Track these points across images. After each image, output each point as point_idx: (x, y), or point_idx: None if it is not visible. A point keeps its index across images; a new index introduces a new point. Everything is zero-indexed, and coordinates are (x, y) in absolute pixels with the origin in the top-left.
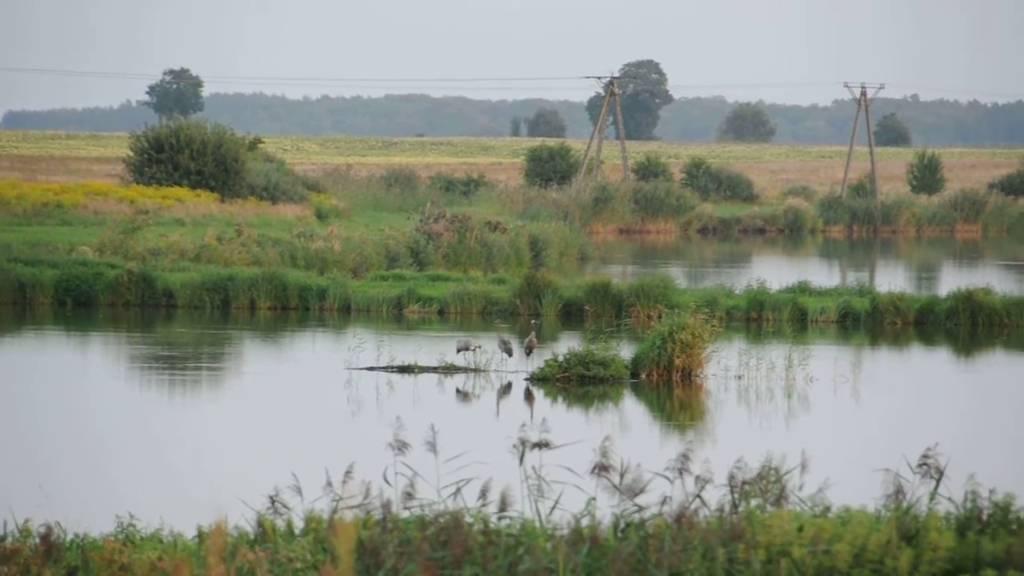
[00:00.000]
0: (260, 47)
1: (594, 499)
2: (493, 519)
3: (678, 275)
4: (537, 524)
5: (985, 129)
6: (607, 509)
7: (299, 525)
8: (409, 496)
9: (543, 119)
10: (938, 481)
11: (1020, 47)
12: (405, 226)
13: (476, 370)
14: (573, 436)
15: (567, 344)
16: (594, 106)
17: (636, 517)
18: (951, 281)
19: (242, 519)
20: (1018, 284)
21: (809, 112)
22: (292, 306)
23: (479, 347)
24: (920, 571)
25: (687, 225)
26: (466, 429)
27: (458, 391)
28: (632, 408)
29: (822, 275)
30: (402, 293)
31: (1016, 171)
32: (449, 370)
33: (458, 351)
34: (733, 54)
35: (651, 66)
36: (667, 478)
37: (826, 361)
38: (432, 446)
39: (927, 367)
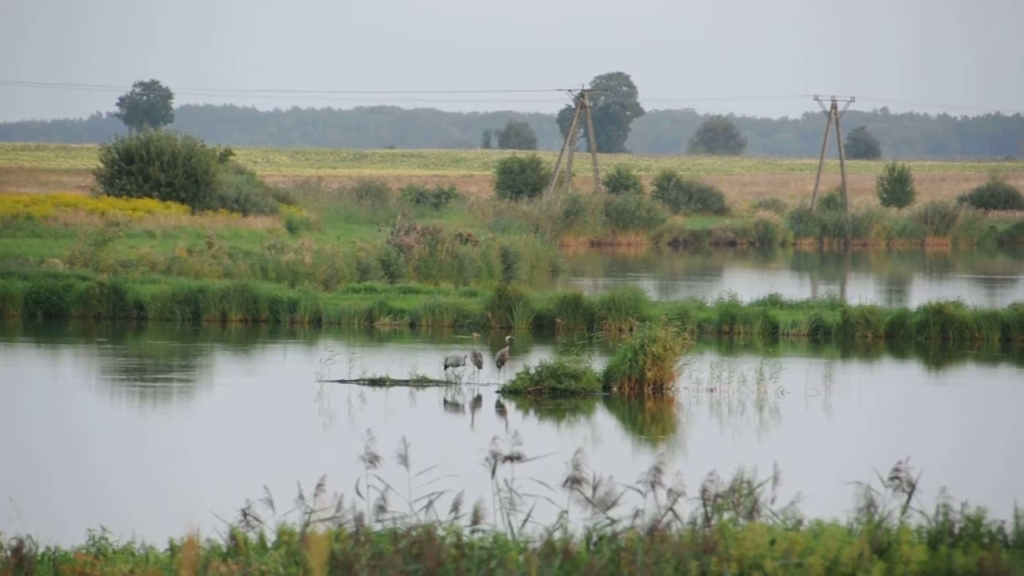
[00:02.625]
0: (231, 59)
1: (566, 512)
2: (465, 532)
3: (649, 288)
4: (509, 537)
5: (954, 142)
6: (579, 522)
7: (271, 538)
8: (381, 509)
9: (514, 131)
10: (910, 494)
11: (989, 61)
12: (376, 238)
13: (448, 383)
14: (545, 449)
15: (539, 357)
16: (565, 118)
17: (608, 530)
18: (922, 294)
19: (214, 532)
20: (988, 297)
21: (780, 125)
22: (263, 318)
23: (466, 361)
24: None
25: (658, 238)
26: (438, 442)
27: (446, 402)
28: (604, 421)
29: (793, 288)
30: (373, 306)
31: (986, 184)
32: (421, 383)
33: (446, 367)
34: (704, 67)
35: (622, 79)
36: (639, 491)
37: (797, 374)
38: (404, 459)
39: (898, 380)
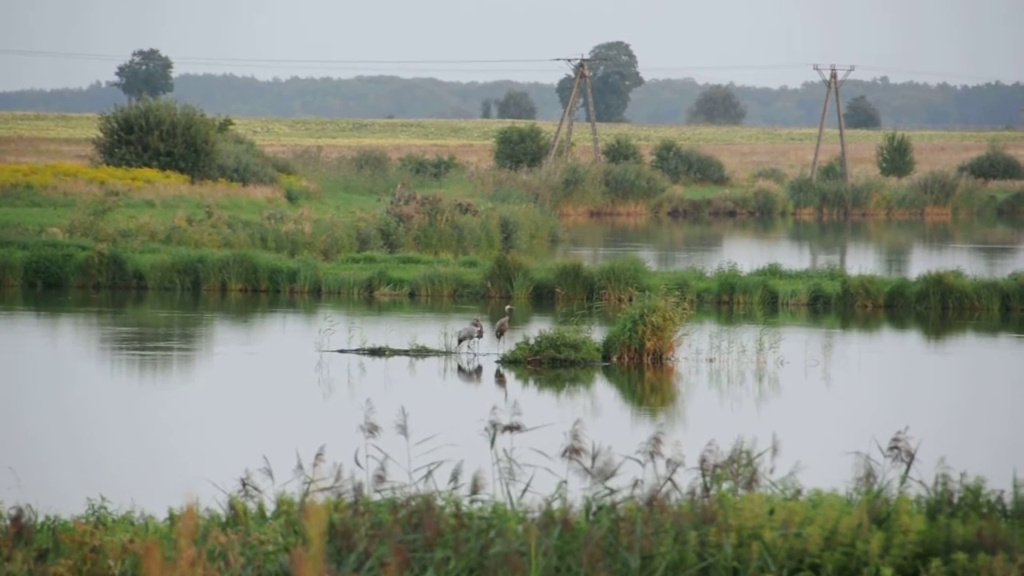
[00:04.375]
0: (230, 28)
1: (565, 482)
2: (465, 502)
3: (649, 258)
4: (509, 507)
5: (954, 112)
6: (578, 492)
7: (271, 508)
8: (380, 479)
9: (513, 101)
10: (909, 464)
11: (990, 30)
12: (376, 208)
13: (447, 353)
14: (544, 419)
15: (538, 327)
16: (564, 88)
17: (607, 500)
18: (921, 264)
19: (213, 502)
20: (988, 267)
21: (779, 94)
22: (263, 288)
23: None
24: (891, 554)
25: (658, 208)
26: (437, 412)
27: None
28: (603, 391)
29: (792, 258)
30: (373, 275)
31: (985, 154)
32: (420, 353)
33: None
34: (703, 36)
35: (621, 48)
36: (638, 461)
37: (797, 344)
38: (403, 429)
39: (897, 350)
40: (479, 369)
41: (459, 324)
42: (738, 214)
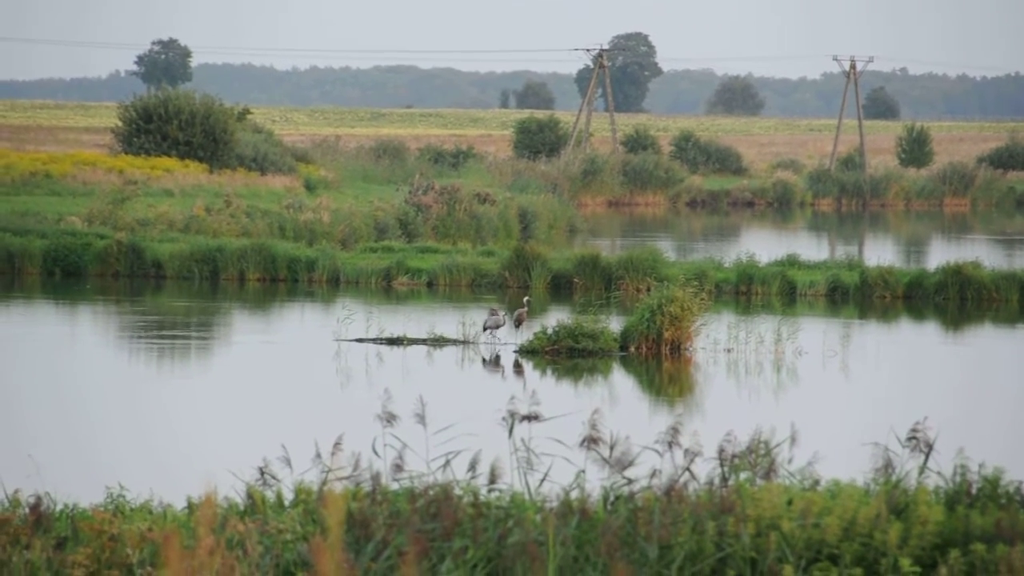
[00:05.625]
0: (249, 18)
1: (583, 472)
2: (483, 491)
3: (667, 248)
4: (526, 497)
5: (973, 103)
6: (596, 482)
7: (289, 496)
8: (398, 468)
9: (532, 91)
10: (927, 455)
11: (1008, 20)
12: (394, 198)
13: (465, 342)
14: (562, 409)
15: (556, 317)
16: (583, 78)
17: (625, 490)
18: (940, 255)
19: (232, 490)
20: (1007, 258)
21: (798, 85)
22: (281, 277)
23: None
24: (909, 545)
25: (676, 198)
26: (455, 401)
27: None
28: (621, 381)
29: (811, 248)
30: (391, 265)
31: (1004, 145)
32: (438, 342)
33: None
34: (722, 27)
35: (640, 39)
36: (656, 451)
37: (815, 334)
38: (421, 418)
39: (916, 341)
40: (497, 359)
41: (477, 314)
42: (756, 205)
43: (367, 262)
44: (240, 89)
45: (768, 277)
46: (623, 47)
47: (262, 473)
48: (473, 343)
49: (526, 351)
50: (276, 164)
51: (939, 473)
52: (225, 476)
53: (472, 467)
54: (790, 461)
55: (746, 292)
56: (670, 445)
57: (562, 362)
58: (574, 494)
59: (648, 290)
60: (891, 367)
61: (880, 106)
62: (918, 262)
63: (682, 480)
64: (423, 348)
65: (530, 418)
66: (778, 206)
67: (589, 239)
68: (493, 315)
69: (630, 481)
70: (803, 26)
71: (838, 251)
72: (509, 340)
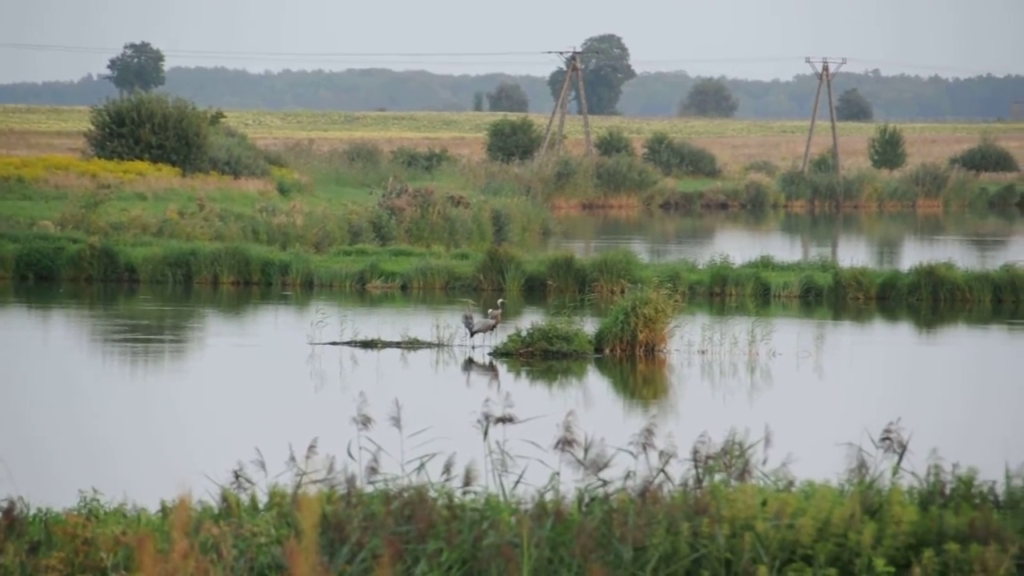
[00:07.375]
0: (222, 21)
1: (558, 474)
2: (457, 494)
3: (641, 250)
4: (501, 499)
5: (946, 104)
6: (571, 484)
7: (263, 500)
8: (373, 471)
9: (505, 94)
10: (901, 455)
11: (982, 22)
12: (368, 201)
13: (440, 345)
14: (537, 411)
15: (530, 319)
16: (556, 81)
17: (600, 492)
18: (913, 256)
19: (206, 494)
20: (980, 259)
21: (771, 87)
22: (254, 281)
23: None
24: (883, 545)
25: (649, 200)
26: (429, 404)
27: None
28: (596, 383)
29: (784, 250)
30: (365, 268)
31: (977, 146)
32: (412, 345)
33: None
34: (695, 29)
35: (613, 41)
36: (631, 453)
37: (789, 336)
38: (396, 421)
39: (889, 342)
40: (470, 361)
41: (451, 317)
42: (730, 207)
43: (341, 265)
44: (213, 93)
45: (742, 279)
46: (596, 49)
47: (236, 476)
48: (448, 345)
49: (500, 353)
50: (249, 168)
51: (913, 473)
52: (199, 479)
53: (447, 469)
54: (764, 462)
55: (720, 294)
56: (644, 447)
57: (536, 364)
58: (549, 496)
59: (622, 292)
60: (865, 368)
61: (853, 108)
62: (891, 263)
63: (657, 481)
64: (397, 351)
65: (504, 420)
66: (751, 208)
67: (563, 241)
68: (466, 319)
69: (605, 483)
70: (776, 28)
71: (811, 252)
72: (483, 343)
